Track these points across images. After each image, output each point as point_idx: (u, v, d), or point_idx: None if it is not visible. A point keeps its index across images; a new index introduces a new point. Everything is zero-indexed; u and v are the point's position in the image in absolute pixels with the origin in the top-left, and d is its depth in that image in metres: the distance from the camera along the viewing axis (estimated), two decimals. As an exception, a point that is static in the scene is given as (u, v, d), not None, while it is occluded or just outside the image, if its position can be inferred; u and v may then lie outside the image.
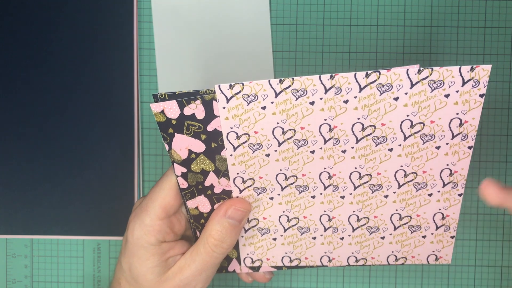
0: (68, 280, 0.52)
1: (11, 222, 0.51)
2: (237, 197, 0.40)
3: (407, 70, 0.35)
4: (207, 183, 0.39)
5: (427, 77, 0.35)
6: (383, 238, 0.41)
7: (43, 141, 0.50)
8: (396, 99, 0.35)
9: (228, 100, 0.35)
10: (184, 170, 0.38)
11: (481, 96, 0.36)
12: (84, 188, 0.50)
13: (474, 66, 0.35)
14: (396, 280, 0.51)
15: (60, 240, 0.52)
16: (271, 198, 0.40)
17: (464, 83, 0.35)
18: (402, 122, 0.36)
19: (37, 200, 0.51)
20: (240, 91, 0.35)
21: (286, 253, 0.42)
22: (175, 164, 0.38)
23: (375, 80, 0.35)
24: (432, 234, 0.41)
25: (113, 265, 0.52)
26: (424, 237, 0.41)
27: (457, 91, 0.35)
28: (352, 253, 0.42)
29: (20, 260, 0.52)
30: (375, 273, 0.51)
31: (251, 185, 0.39)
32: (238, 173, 0.39)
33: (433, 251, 0.42)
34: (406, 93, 0.35)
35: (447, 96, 0.36)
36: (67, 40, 0.49)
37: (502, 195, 0.36)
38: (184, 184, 0.39)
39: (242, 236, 0.42)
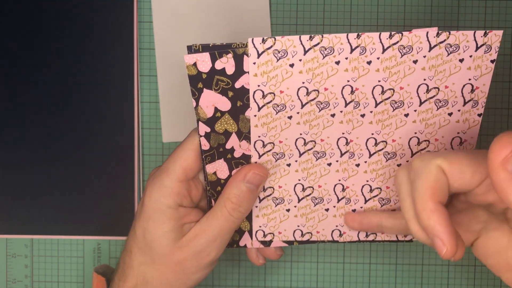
0: (68, 280, 0.52)
1: (11, 222, 0.51)
2: (256, 162, 0.40)
3: (427, 32, 0.35)
4: (228, 145, 0.40)
5: (445, 40, 0.36)
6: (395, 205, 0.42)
7: (43, 141, 0.50)
8: (415, 62, 0.36)
9: (259, 55, 0.36)
10: (208, 129, 0.39)
11: (492, 61, 0.36)
12: (84, 188, 0.50)
13: (487, 31, 0.35)
14: (396, 280, 0.51)
15: (60, 240, 0.52)
16: (288, 165, 0.41)
17: (477, 48, 0.36)
18: (419, 86, 0.37)
19: (37, 200, 0.51)
20: (271, 46, 0.36)
21: (298, 226, 0.43)
22: (199, 123, 0.39)
23: (397, 42, 0.36)
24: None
25: (114, 265, 0.52)
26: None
27: (470, 56, 0.36)
28: None
29: (20, 260, 0.52)
30: (375, 273, 0.51)
31: (270, 150, 0.40)
32: (259, 136, 0.39)
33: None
34: (424, 56, 0.36)
35: (461, 60, 0.36)
36: (67, 40, 0.49)
37: (359, 219, 0.41)
38: (206, 145, 0.40)
39: (256, 206, 0.42)
